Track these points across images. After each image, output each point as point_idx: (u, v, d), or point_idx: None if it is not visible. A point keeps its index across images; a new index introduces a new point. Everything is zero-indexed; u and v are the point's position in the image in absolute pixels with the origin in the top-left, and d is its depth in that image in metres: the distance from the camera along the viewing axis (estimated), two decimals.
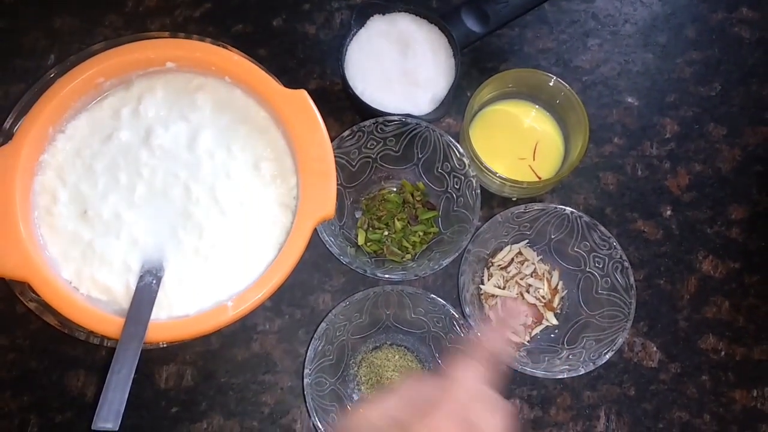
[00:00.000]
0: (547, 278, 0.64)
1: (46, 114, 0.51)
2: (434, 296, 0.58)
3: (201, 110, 0.54)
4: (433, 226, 0.65)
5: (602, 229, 0.60)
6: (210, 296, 0.51)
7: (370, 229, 0.64)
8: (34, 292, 0.50)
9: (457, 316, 0.58)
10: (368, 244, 0.64)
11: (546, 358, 0.60)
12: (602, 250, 0.60)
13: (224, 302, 0.49)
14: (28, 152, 0.50)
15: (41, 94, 0.52)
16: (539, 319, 0.63)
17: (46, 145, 0.52)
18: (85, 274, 0.50)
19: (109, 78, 0.53)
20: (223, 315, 0.49)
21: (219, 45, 0.55)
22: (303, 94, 0.53)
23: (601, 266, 0.61)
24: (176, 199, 0.52)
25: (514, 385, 0.63)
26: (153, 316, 0.48)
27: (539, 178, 0.64)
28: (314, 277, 0.65)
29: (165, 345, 0.52)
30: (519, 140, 0.66)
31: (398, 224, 0.64)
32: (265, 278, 0.50)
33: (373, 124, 0.61)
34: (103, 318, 0.48)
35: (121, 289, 0.50)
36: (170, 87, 0.54)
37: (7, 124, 0.54)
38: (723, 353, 0.64)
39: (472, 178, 0.60)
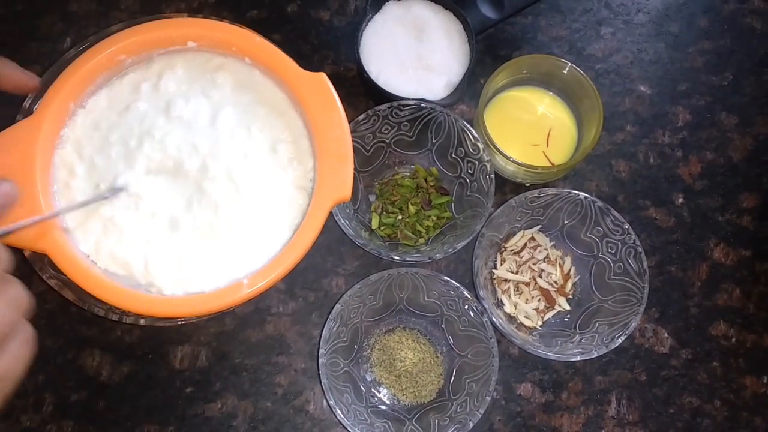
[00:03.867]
0: (559, 264, 0.64)
1: (68, 89, 0.51)
2: (448, 278, 0.58)
3: (221, 88, 0.54)
4: (446, 211, 0.65)
5: (615, 214, 0.60)
6: (226, 274, 0.51)
7: (384, 213, 0.65)
8: (53, 268, 0.51)
9: (470, 298, 0.58)
10: (382, 228, 0.64)
11: (558, 342, 0.60)
12: (615, 235, 0.61)
13: (240, 280, 0.50)
14: (49, 126, 0.50)
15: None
16: (552, 304, 0.63)
17: (66, 119, 0.52)
18: (104, 248, 0.50)
19: (131, 55, 0.53)
20: (237, 292, 0.49)
21: (238, 26, 0.55)
22: (322, 76, 0.53)
23: (613, 251, 0.61)
24: (192, 175, 0.52)
25: (526, 369, 0.63)
26: (170, 291, 0.49)
27: (552, 164, 0.65)
28: (328, 260, 0.65)
29: (183, 322, 0.52)
30: (532, 126, 0.66)
31: (412, 209, 0.64)
32: (280, 258, 0.50)
33: (388, 108, 0.62)
34: (121, 291, 0.48)
35: (139, 264, 0.50)
36: (191, 65, 0.55)
37: (26, 103, 0.54)
38: (734, 340, 0.64)
39: (486, 163, 0.60)
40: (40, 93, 0.54)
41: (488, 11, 0.66)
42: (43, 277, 0.51)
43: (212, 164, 0.52)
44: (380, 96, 0.63)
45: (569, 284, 0.64)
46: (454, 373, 0.61)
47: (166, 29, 0.53)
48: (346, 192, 0.51)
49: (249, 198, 0.53)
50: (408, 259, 0.59)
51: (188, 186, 0.52)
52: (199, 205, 0.52)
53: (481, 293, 0.59)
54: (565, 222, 0.64)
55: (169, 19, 0.54)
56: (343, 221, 0.59)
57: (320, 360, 0.57)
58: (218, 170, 0.52)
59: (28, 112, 0.53)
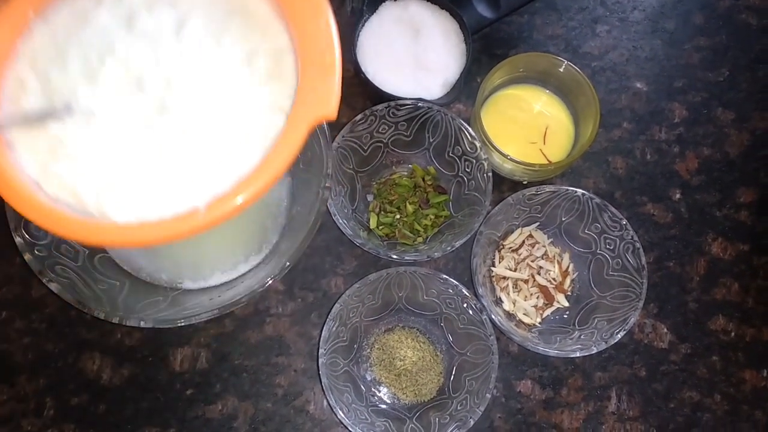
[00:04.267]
0: (557, 261, 0.64)
1: None
2: (447, 277, 0.59)
3: None
4: (444, 210, 0.65)
5: (613, 210, 0.60)
6: (186, 201, 0.44)
7: (382, 212, 0.65)
8: (53, 271, 0.51)
9: (469, 296, 0.58)
10: (380, 227, 0.65)
11: (558, 339, 0.60)
12: (613, 231, 0.61)
13: (199, 206, 0.43)
14: (1, 36, 0.45)
15: None
16: (550, 301, 0.63)
17: (23, 30, 0.46)
18: (52, 172, 0.45)
19: None
20: (193, 219, 0.43)
21: None
22: None
23: (612, 248, 0.61)
24: (153, 92, 0.45)
25: (525, 366, 0.63)
26: (123, 218, 0.44)
27: (549, 161, 0.65)
28: (326, 260, 0.65)
29: (183, 323, 0.52)
30: (529, 124, 0.67)
31: (410, 208, 0.64)
32: (244, 183, 0.43)
33: (386, 108, 0.62)
34: (64, 218, 0.43)
35: (89, 190, 0.44)
36: None
37: None
38: (733, 334, 0.65)
39: (483, 161, 0.61)
40: None
41: (484, 10, 0.66)
42: (43, 280, 0.51)
43: (176, 80, 0.45)
44: (377, 96, 0.64)
45: (568, 281, 0.64)
46: (453, 371, 0.62)
47: None
48: (329, 108, 0.42)
49: (217, 118, 0.45)
50: (406, 258, 0.60)
51: (148, 104, 0.45)
52: (159, 124, 0.45)
53: (480, 291, 0.59)
54: (563, 219, 0.64)
55: None
56: (341, 221, 0.59)
57: (320, 360, 0.57)
58: (183, 86, 0.45)
59: None
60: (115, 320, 0.51)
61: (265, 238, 0.62)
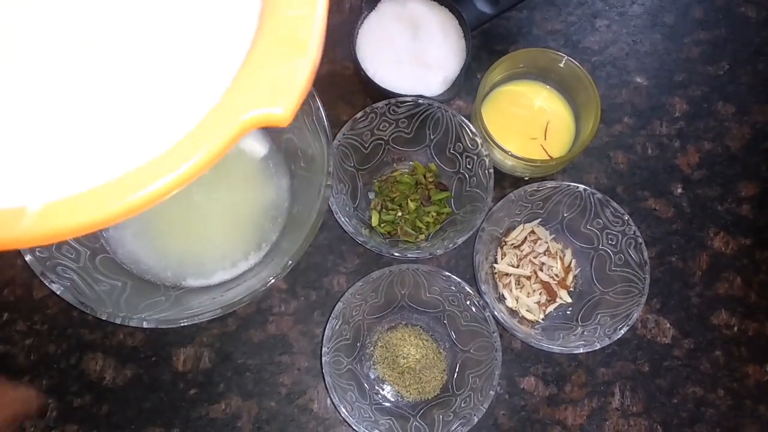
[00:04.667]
0: (560, 257, 0.64)
1: None
2: (449, 274, 0.58)
3: None
4: (445, 207, 0.65)
5: (615, 205, 0.60)
6: (22, 191, 0.27)
7: (384, 210, 0.65)
8: (54, 273, 0.51)
9: (472, 293, 0.58)
10: (382, 225, 0.64)
11: (561, 335, 0.60)
12: (615, 227, 0.61)
13: (29, 207, 0.27)
14: None
15: None
16: (553, 297, 0.63)
17: None
18: None
19: None
20: (15, 221, 0.26)
21: None
22: None
23: (614, 243, 0.61)
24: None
25: (529, 363, 0.63)
26: None
27: (551, 157, 0.65)
28: (328, 259, 0.65)
29: (185, 323, 0.52)
30: (530, 120, 0.66)
31: (411, 205, 0.64)
32: (115, 186, 0.27)
33: (386, 105, 0.62)
34: None
35: None
36: None
37: None
38: (736, 329, 0.65)
39: (484, 158, 0.60)
40: None
41: (483, 6, 0.66)
42: (45, 282, 0.51)
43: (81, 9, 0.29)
44: (378, 93, 0.63)
45: (570, 277, 0.64)
46: (457, 369, 0.61)
47: None
48: (282, 103, 0.27)
49: (121, 72, 0.29)
50: (409, 255, 0.60)
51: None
52: (35, 67, 0.28)
53: (483, 288, 0.59)
54: (565, 215, 0.64)
55: None
56: (343, 219, 0.59)
57: (323, 358, 0.57)
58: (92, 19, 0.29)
59: None
60: (118, 321, 0.51)
61: (263, 237, 0.62)
